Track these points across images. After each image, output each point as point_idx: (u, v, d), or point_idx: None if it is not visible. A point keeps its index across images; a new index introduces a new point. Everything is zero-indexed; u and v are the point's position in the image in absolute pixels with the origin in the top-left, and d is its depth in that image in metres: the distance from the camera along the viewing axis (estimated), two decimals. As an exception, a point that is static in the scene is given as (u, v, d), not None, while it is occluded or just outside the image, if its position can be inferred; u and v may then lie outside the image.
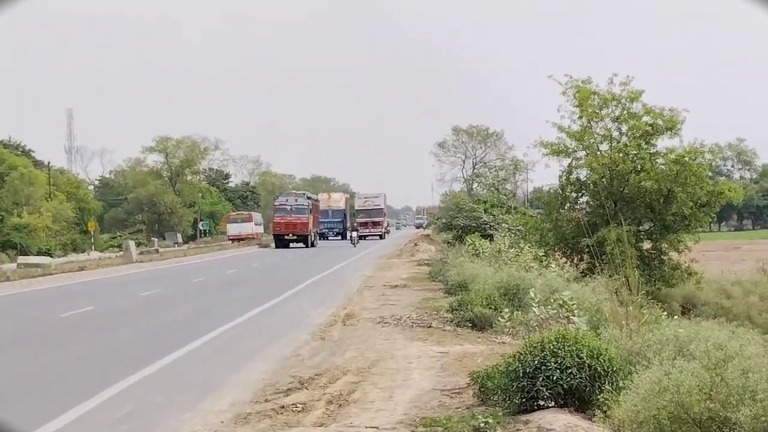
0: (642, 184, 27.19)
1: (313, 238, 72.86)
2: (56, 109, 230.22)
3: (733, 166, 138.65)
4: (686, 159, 27.23)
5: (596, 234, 25.86)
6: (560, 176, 29.43)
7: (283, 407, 10.13)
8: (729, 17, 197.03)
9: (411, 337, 15.77)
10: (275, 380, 11.92)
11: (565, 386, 8.45)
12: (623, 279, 13.92)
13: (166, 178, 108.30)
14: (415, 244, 63.30)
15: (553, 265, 24.07)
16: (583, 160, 28.47)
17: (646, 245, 28.56)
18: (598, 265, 18.98)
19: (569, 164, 28.85)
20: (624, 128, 28.17)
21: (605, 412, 7.93)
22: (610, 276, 16.57)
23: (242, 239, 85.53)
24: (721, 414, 6.90)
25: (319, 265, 42.54)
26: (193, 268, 44.48)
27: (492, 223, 44.45)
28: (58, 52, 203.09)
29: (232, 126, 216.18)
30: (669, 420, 7.05)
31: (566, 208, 29.61)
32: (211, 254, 63.05)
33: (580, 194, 29.87)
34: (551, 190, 30.35)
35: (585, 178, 28.98)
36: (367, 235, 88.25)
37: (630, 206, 27.88)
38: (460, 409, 9.57)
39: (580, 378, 8.43)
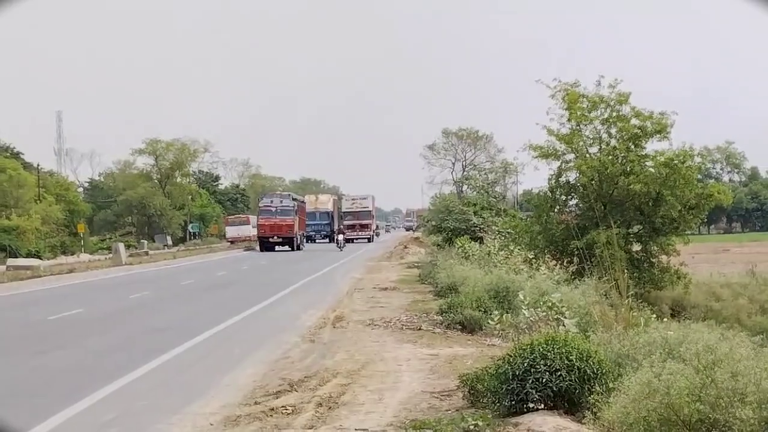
0: (631, 186, 27.23)
1: (299, 241, 71.18)
2: (45, 111, 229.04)
3: (722, 169, 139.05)
4: (675, 162, 27.28)
5: (586, 237, 25.90)
6: (549, 179, 29.47)
7: (272, 409, 10.12)
8: (720, 15, 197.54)
9: (401, 340, 15.77)
10: (265, 383, 11.90)
11: (554, 388, 8.45)
12: (613, 281, 13.95)
13: (156, 181, 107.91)
14: (405, 247, 63.37)
15: (543, 268, 24.08)
16: (572, 162, 28.51)
17: (636, 248, 28.60)
18: (587, 267, 19.01)
19: (558, 167, 28.88)
20: (613, 131, 28.22)
21: (595, 414, 7.93)
22: (599, 278, 16.62)
23: (242, 241, 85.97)
24: (710, 416, 6.91)
25: (308, 267, 42.50)
26: (183, 270, 44.39)
27: (482, 226, 44.48)
28: (47, 54, 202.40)
29: (222, 128, 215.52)
30: (659, 422, 7.06)
31: (556, 210, 29.64)
32: (201, 256, 62.96)
33: (570, 197, 29.89)
34: (541, 193, 30.37)
35: (574, 181, 29.01)
36: (355, 238, 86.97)
37: (619, 209, 27.91)
38: (449, 412, 9.57)
39: (570, 380, 8.43)
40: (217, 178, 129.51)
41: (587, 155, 28.19)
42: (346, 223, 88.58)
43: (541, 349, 8.62)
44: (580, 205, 29.67)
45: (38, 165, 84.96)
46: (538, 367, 8.51)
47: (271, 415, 9.86)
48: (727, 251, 64.92)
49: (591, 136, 28.47)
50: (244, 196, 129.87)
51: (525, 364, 8.58)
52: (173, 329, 18.57)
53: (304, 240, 76.92)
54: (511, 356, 8.86)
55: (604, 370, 8.54)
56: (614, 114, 27.95)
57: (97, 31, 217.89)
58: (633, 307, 12.45)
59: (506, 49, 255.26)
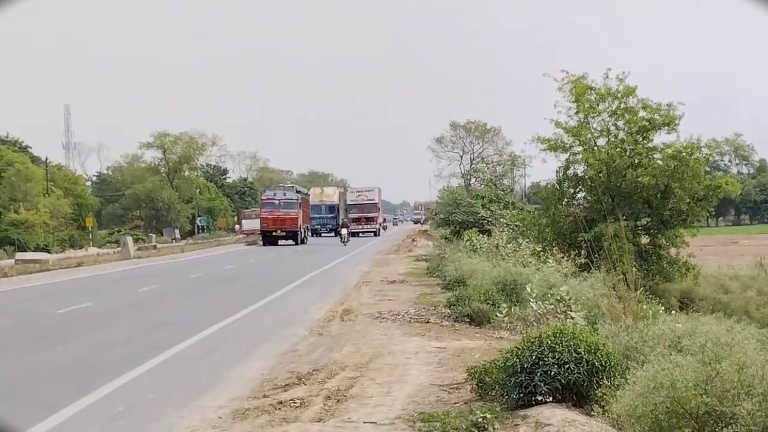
0: (639, 179, 27.18)
1: (303, 235, 68.67)
2: (54, 105, 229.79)
3: (730, 161, 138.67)
4: (683, 154, 27.21)
5: (594, 229, 25.86)
6: (557, 171, 29.40)
7: (281, 403, 10.14)
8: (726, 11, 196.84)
9: (409, 333, 15.78)
10: (273, 376, 11.92)
11: (562, 381, 8.46)
12: (621, 274, 13.93)
13: (164, 174, 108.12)
14: (413, 240, 63.28)
15: (551, 261, 24.07)
16: (580, 155, 28.46)
17: (644, 240, 28.54)
18: (595, 260, 18.98)
19: (566, 159, 28.83)
20: (620, 123, 28.16)
21: (603, 406, 7.93)
22: (607, 271, 16.60)
23: (258, 234, 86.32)
24: (717, 409, 6.91)
25: (316, 261, 42.53)
26: (191, 264, 44.46)
27: (490, 219, 44.44)
28: (56, 48, 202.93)
29: (230, 122, 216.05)
30: (666, 414, 7.06)
31: (564, 203, 29.58)
32: (209, 250, 63.02)
33: (578, 189, 29.83)
34: (548, 186, 30.31)
35: (582, 174, 28.96)
36: (360, 232, 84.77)
37: (627, 201, 27.85)
38: (458, 405, 9.58)
39: (578, 373, 8.43)
40: (225, 171, 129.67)
41: (595, 148, 28.15)
42: (351, 216, 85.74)
43: (550, 342, 8.63)
44: (588, 198, 29.62)
45: (46, 159, 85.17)
46: (546, 359, 8.51)
47: (279, 408, 9.88)
48: (736, 243, 64.74)
49: (599, 129, 28.41)
50: (252, 190, 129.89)
51: (533, 357, 8.59)
52: (181, 323, 18.62)
53: (309, 234, 74.99)
54: (519, 349, 8.86)
55: (612, 363, 8.54)
56: (622, 106, 27.89)
57: (105, 26, 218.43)
58: (641, 300, 12.43)
59: (514, 46, 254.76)
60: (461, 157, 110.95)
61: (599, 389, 8.19)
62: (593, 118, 28.21)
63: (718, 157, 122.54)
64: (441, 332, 15.71)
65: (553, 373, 8.46)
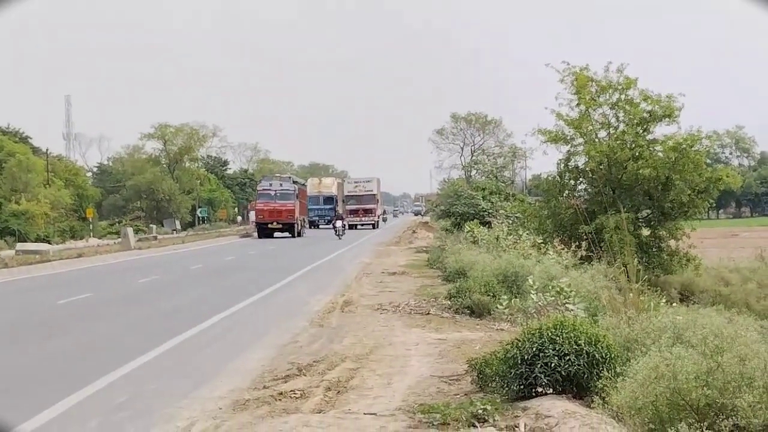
0: (640, 171, 27.18)
1: (299, 227, 66.28)
2: (54, 95, 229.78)
3: (731, 153, 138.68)
4: (684, 146, 27.19)
5: (595, 221, 25.89)
6: (558, 163, 29.43)
7: (281, 394, 10.14)
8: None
9: (409, 324, 15.79)
10: (274, 367, 11.92)
11: (563, 373, 8.46)
12: (622, 266, 13.94)
13: (165, 165, 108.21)
14: (414, 232, 63.36)
15: (552, 253, 24.07)
16: (581, 147, 28.46)
17: (645, 232, 28.55)
18: (596, 252, 19.00)
19: (567, 151, 28.85)
20: (621, 115, 28.14)
21: (603, 398, 7.93)
22: (608, 263, 16.62)
23: None
24: (718, 401, 6.91)
25: (316, 252, 42.56)
26: (191, 255, 44.49)
27: (490, 211, 44.48)
28: (57, 38, 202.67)
29: (231, 113, 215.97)
30: (667, 406, 7.06)
31: (564, 195, 29.59)
32: (209, 241, 63.01)
33: (579, 181, 29.86)
34: (549, 178, 30.31)
35: (583, 166, 28.96)
36: (358, 224, 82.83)
37: (628, 193, 27.86)
38: (458, 396, 9.58)
39: (578, 365, 8.43)
40: (226, 162, 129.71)
41: (596, 140, 28.14)
42: (348, 207, 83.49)
43: (550, 334, 8.63)
44: (589, 190, 29.63)
45: (47, 149, 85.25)
46: (546, 351, 8.52)
47: (279, 399, 9.88)
48: (736, 236, 64.74)
49: (600, 121, 28.41)
50: (253, 181, 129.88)
51: (533, 349, 8.59)
52: (182, 314, 18.62)
53: (306, 226, 73.25)
54: (519, 341, 8.86)
55: (612, 355, 8.54)
56: (623, 98, 27.87)
57: (106, 16, 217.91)
58: (642, 292, 12.42)
59: (516, 34, 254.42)
60: (462, 148, 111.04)
61: (599, 381, 8.18)
62: (594, 110, 28.21)
63: (720, 149, 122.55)
64: (441, 324, 15.72)
65: (553, 364, 8.46)
